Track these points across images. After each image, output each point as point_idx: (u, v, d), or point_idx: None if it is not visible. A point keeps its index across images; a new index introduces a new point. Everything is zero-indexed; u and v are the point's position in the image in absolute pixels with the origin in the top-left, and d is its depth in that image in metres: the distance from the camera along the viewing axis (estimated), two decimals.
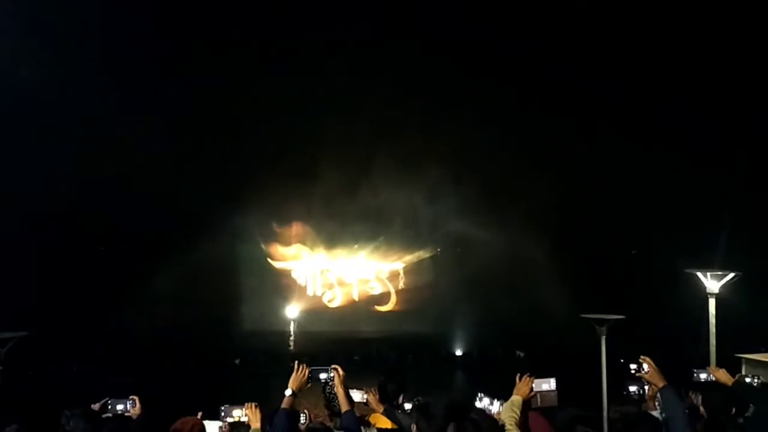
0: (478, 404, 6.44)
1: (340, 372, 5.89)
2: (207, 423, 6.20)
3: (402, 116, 44.12)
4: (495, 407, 6.34)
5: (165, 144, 40.42)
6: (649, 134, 42.82)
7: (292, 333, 47.86)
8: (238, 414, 5.89)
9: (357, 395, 6.27)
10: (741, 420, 6.05)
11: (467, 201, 45.28)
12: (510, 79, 42.82)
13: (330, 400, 6.10)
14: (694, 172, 41.30)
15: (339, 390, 5.67)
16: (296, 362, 5.64)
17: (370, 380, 7.12)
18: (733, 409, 6.37)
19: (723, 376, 7.04)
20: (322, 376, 5.75)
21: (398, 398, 6.92)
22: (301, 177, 46.14)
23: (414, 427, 5.19)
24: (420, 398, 7.29)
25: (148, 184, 40.73)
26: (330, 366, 5.79)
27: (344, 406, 5.65)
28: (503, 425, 5.43)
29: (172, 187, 41.27)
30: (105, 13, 40.14)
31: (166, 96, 41.61)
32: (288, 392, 5.58)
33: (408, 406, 7.10)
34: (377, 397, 6.74)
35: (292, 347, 45.38)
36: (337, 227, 49.50)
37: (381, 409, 6.60)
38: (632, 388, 6.73)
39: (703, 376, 7.17)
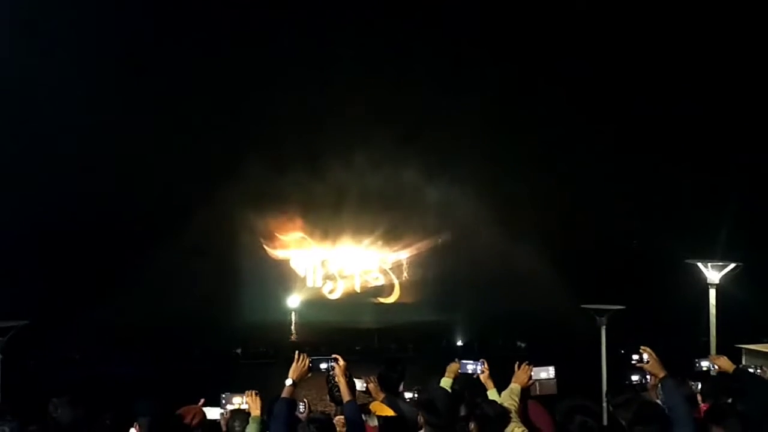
0: (460, 371, 6.49)
1: (341, 362, 5.82)
2: (208, 409, 6.20)
3: (404, 106, 44.18)
4: (478, 367, 6.39)
5: (165, 135, 40.48)
6: (652, 130, 42.91)
7: (293, 323, 47.91)
8: (239, 401, 5.89)
9: (357, 384, 6.24)
10: (740, 407, 6.05)
11: (470, 193, 45.29)
12: (516, 77, 42.98)
13: (332, 389, 6.08)
14: (695, 165, 41.34)
15: (340, 380, 5.58)
16: (297, 352, 5.63)
17: (371, 370, 7.13)
18: (729, 399, 6.37)
19: (724, 363, 6.99)
20: (323, 366, 5.67)
21: (399, 387, 6.93)
22: (302, 168, 46.25)
23: (420, 419, 5.17)
24: (419, 388, 7.29)
25: (149, 174, 40.81)
26: (331, 356, 5.82)
27: (346, 396, 5.57)
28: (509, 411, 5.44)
29: (173, 178, 41.38)
30: (102, 11, 40.35)
31: (163, 83, 41.68)
32: (288, 382, 5.54)
33: (408, 395, 7.10)
34: (377, 385, 6.74)
35: (293, 337, 45.42)
36: (338, 217, 49.69)
37: (381, 397, 6.60)
38: (634, 378, 6.73)
39: (704, 364, 7.14)
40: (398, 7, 42.64)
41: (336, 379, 5.83)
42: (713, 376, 7.02)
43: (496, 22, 42.91)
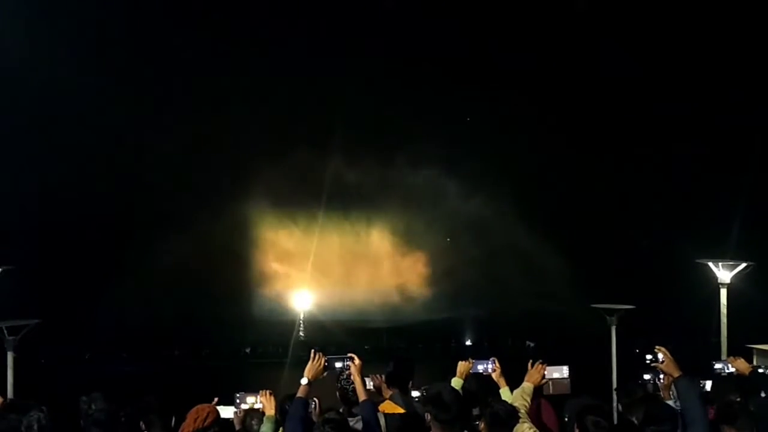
0: (472, 371, 6.49)
1: (357, 360, 5.78)
2: (221, 408, 6.24)
3: (411, 102, 44.16)
4: (489, 366, 6.42)
5: (176, 129, 40.62)
6: (661, 126, 42.77)
7: (302, 322, 47.90)
8: (252, 401, 5.91)
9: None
10: (752, 408, 6.06)
11: (480, 192, 45.21)
12: (527, 79, 43.05)
13: (343, 388, 6.05)
14: (705, 163, 41.19)
15: (356, 379, 5.53)
16: (312, 351, 5.63)
17: (381, 370, 7.13)
18: (738, 398, 6.37)
19: (741, 365, 7.03)
20: (338, 365, 5.61)
21: (408, 385, 6.93)
22: (310, 163, 46.27)
23: (428, 417, 5.14)
24: (426, 387, 7.29)
25: (158, 173, 40.93)
26: (346, 354, 5.84)
27: (362, 396, 5.47)
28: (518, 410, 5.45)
29: (182, 176, 41.51)
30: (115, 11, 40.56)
31: (174, 80, 41.83)
32: (303, 381, 5.48)
33: (416, 393, 7.09)
34: (384, 382, 6.73)
35: (302, 336, 45.44)
36: (347, 215, 49.83)
37: (389, 394, 6.59)
38: (647, 376, 6.76)
39: (718, 366, 7.17)
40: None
41: (351, 378, 5.79)
42: (723, 376, 7.03)
43: (507, 20, 42.98)
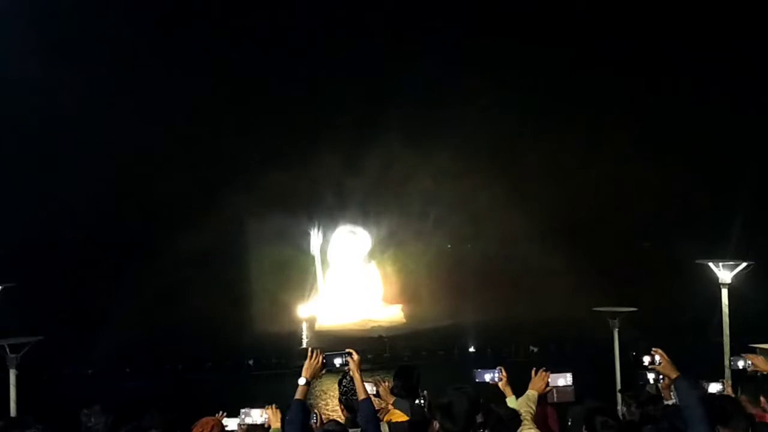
0: (478, 380, 6.45)
1: (356, 356, 5.66)
2: (227, 420, 6.24)
3: (413, 108, 44.28)
4: (496, 375, 6.38)
5: (177, 147, 40.71)
6: (663, 127, 42.90)
7: (304, 332, 47.82)
8: (257, 414, 5.88)
9: (367, 387, 6.11)
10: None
11: (478, 197, 45.19)
12: (523, 80, 43.16)
13: (345, 393, 6.00)
14: (707, 163, 41.28)
15: (355, 375, 5.38)
16: (310, 349, 5.49)
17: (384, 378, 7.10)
18: (762, 398, 6.33)
19: (762, 363, 6.99)
20: (337, 361, 5.41)
21: (417, 394, 6.90)
22: (310, 171, 46.37)
23: (437, 425, 5.10)
24: (424, 393, 7.25)
25: (158, 187, 40.95)
26: (344, 350, 5.60)
27: (361, 394, 5.36)
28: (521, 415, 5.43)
29: (183, 189, 41.56)
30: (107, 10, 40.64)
31: (168, 89, 41.93)
32: (301, 381, 5.26)
33: (416, 401, 7.05)
34: (388, 386, 6.68)
35: (304, 346, 45.34)
36: (347, 223, 49.92)
37: (392, 400, 6.55)
38: (650, 376, 6.77)
39: (740, 363, 7.14)
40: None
41: (351, 374, 5.69)
42: (750, 380, 6.99)
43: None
